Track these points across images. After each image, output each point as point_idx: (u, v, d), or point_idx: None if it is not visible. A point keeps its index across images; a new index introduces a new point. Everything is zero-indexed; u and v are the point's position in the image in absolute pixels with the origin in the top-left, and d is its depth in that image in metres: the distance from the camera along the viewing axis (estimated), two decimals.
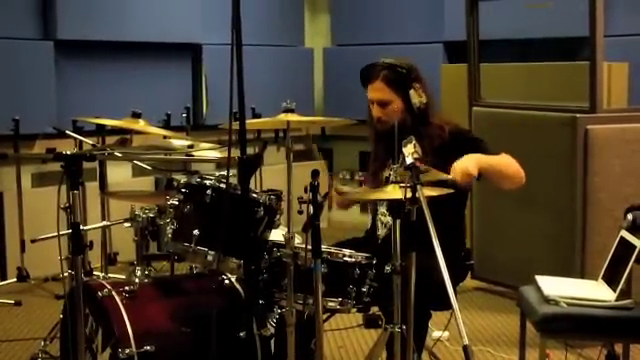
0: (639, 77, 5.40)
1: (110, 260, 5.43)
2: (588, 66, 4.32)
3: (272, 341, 3.14)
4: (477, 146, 3.26)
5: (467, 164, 3.00)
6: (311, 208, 2.72)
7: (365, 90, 3.38)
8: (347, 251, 3.01)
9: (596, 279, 3.40)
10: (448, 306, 2.54)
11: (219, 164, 5.78)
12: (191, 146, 3.71)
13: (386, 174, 3.36)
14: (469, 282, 5.07)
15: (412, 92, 3.28)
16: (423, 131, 3.26)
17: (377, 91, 3.31)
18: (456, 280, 3.16)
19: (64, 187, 2.65)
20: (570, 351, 3.80)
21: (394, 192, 2.84)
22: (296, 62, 7.20)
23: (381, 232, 3.37)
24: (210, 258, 3.03)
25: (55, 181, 2.69)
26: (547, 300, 3.21)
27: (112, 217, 5.16)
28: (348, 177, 3.41)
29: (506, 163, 3.22)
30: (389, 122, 3.26)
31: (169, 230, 3.11)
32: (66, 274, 3.56)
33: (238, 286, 3.18)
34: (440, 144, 3.24)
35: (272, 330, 3.12)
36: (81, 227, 2.68)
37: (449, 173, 2.98)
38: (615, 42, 5.18)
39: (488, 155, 3.17)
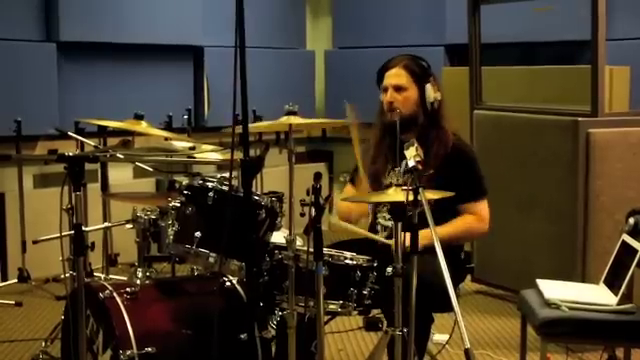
0: None
1: (111, 261, 5.43)
2: (590, 70, 4.32)
3: (273, 343, 3.14)
4: (470, 173, 3.28)
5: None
6: (313, 210, 2.72)
7: (379, 88, 3.36)
8: (348, 254, 3.00)
9: (597, 283, 3.39)
10: (448, 308, 2.54)
11: (220, 166, 5.79)
12: (193, 148, 3.70)
13: (387, 181, 3.32)
14: (470, 285, 5.07)
15: (429, 86, 3.28)
16: (434, 134, 3.26)
17: (395, 76, 3.30)
18: (455, 282, 3.16)
19: (66, 188, 2.65)
20: (571, 355, 3.80)
21: (396, 195, 2.84)
22: (297, 65, 7.20)
23: (381, 235, 3.36)
24: (212, 260, 3.03)
25: (57, 182, 2.70)
26: (548, 304, 3.20)
27: (113, 218, 5.16)
28: (349, 179, 3.47)
29: (462, 231, 3.27)
30: (400, 111, 3.23)
31: (171, 232, 3.10)
32: (67, 275, 3.57)
33: (239, 288, 3.18)
34: (444, 154, 3.23)
35: (273, 332, 3.11)
36: (83, 228, 2.69)
37: (442, 184, 2.99)
38: (617, 46, 5.19)
39: (449, 224, 3.20)
